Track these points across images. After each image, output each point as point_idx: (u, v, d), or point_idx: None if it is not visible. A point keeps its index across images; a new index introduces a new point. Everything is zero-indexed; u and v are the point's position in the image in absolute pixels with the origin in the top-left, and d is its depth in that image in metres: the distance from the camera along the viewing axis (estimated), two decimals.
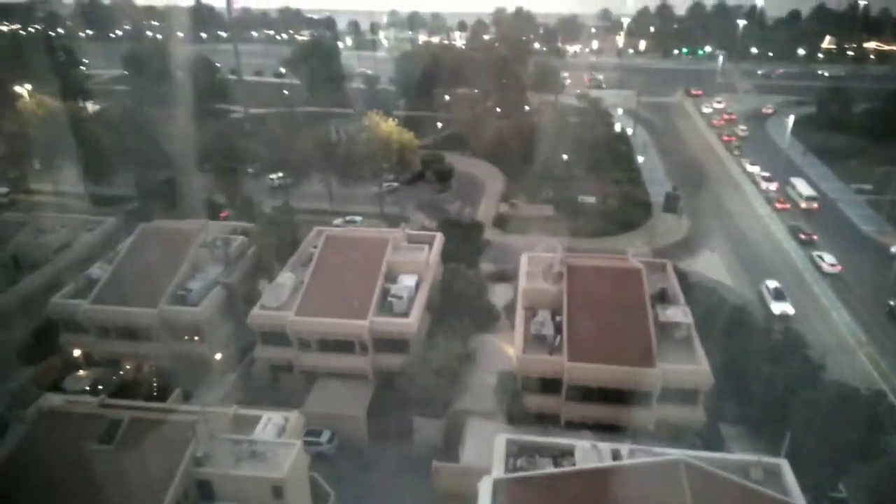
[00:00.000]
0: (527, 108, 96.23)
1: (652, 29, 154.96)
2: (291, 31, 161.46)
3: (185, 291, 41.49)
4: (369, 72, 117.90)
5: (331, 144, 69.81)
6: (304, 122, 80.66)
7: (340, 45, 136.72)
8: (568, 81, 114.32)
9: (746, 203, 73.12)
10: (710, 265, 57.79)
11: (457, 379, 36.82)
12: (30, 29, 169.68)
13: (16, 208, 65.77)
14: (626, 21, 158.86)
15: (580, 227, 63.75)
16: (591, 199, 70.08)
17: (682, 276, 42.59)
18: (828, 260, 57.31)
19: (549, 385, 34.14)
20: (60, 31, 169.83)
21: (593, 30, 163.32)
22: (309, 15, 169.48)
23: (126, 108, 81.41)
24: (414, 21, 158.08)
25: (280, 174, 72.74)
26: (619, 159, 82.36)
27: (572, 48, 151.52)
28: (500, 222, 66.24)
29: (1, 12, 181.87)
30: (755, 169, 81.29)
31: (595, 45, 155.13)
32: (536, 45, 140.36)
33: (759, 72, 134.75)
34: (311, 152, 66.86)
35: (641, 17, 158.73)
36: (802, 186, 73.25)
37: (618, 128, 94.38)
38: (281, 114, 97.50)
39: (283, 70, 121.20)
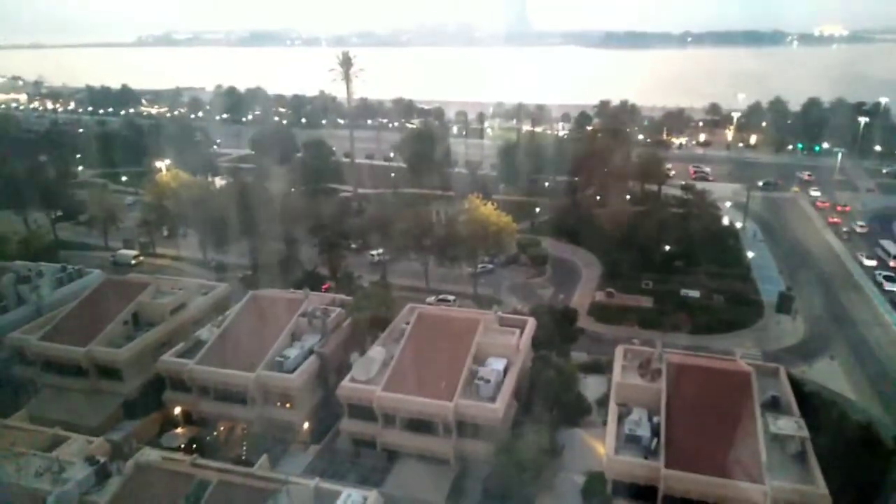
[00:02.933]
0: (628, 197, 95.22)
1: (764, 123, 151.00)
2: (403, 120, 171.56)
3: (283, 358, 42.98)
4: (473, 158, 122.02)
5: (430, 224, 71.90)
6: (407, 202, 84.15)
7: (447, 132, 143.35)
8: (673, 173, 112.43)
9: (869, 307, 66.87)
10: (829, 374, 52.60)
11: (541, 474, 34.93)
12: (175, 112, 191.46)
13: (142, 269, 72.03)
14: (735, 115, 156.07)
15: (682, 322, 60.51)
16: (694, 294, 66.87)
17: (797, 385, 38.94)
18: None
19: (643, 492, 31.56)
20: (200, 114, 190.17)
21: (700, 123, 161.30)
22: (420, 105, 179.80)
23: (248, 184, 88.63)
24: (519, 112, 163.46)
25: (380, 251, 75.33)
26: (726, 254, 78.67)
27: (678, 140, 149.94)
28: (596, 311, 64.38)
29: (154, 96, 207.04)
30: (877, 270, 74.81)
31: (702, 137, 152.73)
32: (640, 137, 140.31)
33: (885, 170, 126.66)
34: (411, 231, 69.06)
35: (753, 111, 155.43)
36: None
37: (726, 221, 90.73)
38: (386, 194, 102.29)
39: (392, 154, 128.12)
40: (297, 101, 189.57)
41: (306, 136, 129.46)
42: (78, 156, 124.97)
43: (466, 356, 40.27)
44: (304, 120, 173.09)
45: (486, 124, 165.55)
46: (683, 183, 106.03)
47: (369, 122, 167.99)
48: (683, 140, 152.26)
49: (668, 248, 75.91)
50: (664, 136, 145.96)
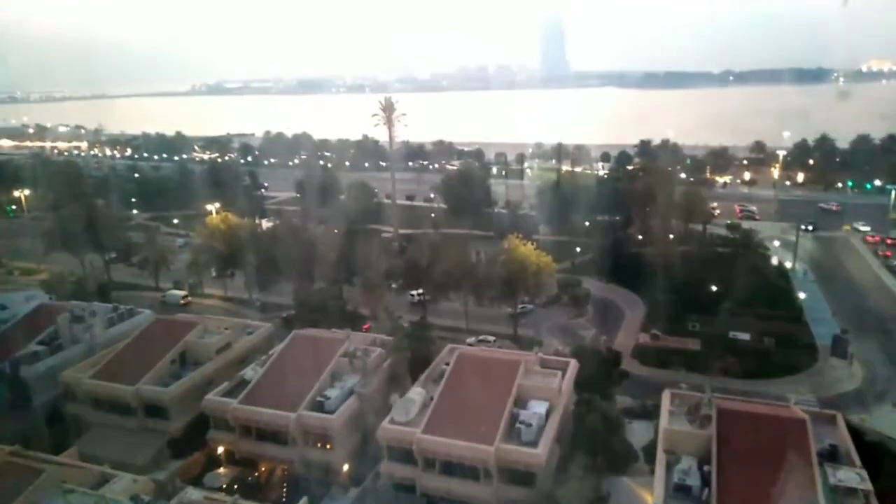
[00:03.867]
0: (671, 236, 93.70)
1: (811, 161, 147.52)
2: (443, 161, 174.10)
3: (323, 398, 43.21)
4: (513, 198, 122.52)
5: (470, 265, 72.05)
6: (447, 243, 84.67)
7: (487, 173, 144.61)
8: (717, 211, 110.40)
9: None
10: (893, 423, 49.76)
11: None
12: (226, 157, 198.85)
13: (190, 309, 73.94)
14: (781, 153, 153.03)
15: (732, 365, 58.48)
16: (744, 336, 64.66)
17: (857, 433, 36.95)
18: None
19: None
20: (249, 158, 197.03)
21: (745, 161, 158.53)
22: (460, 147, 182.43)
23: (293, 226, 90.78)
24: (558, 152, 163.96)
25: (420, 290, 75.67)
26: (776, 295, 76.13)
27: (722, 179, 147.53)
28: (640, 354, 62.87)
29: (206, 142, 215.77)
30: None
31: (747, 176, 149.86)
32: (683, 175, 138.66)
33: None
34: (451, 271, 69.25)
35: (799, 149, 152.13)
36: None
37: (774, 261, 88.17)
38: (427, 235, 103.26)
39: (432, 195, 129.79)
40: (341, 146, 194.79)
41: (349, 178, 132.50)
42: (133, 200, 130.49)
43: (507, 399, 39.74)
44: (347, 163, 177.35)
45: (526, 165, 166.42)
46: (729, 222, 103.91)
47: (410, 164, 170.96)
48: (728, 178, 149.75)
49: (714, 288, 74.01)
50: (707, 175, 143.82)
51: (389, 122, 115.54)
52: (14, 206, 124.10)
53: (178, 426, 45.67)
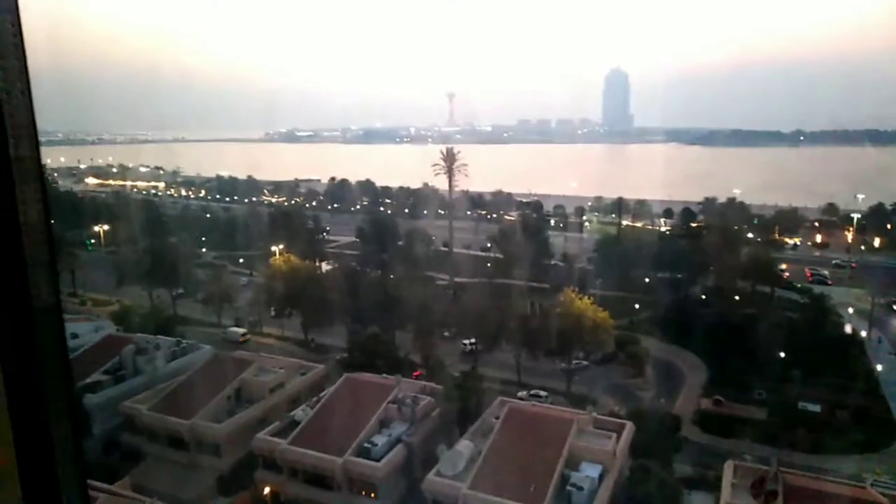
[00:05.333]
0: (737, 298, 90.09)
1: (889, 226, 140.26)
2: (501, 212, 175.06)
3: (370, 445, 42.87)
4: (570, 251, 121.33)
5: (524, 317, 71.22)
6: (501, 293, 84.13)
7: (545, 225, 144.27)
8: (786, 274, 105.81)
9: None
10: None
11: None
12: (292, 201, 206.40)
13: (248, 347, 75.66)
14: (855, 216, 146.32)
15: (800, 439, 54.80)
16: (814, 408, 60.67)
17: None
18: None
19: None
20: (314, 203, 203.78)
21: (816, 223, 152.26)
22: (518, 198, 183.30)
23: (351, 269, 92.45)
24: (618, 206, 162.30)
25: (473, 340, 75.04)
26: (850, 366, 71.50)
27: (792, 240, 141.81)
28: (701, 420, 59.85)
29: (275, 187, 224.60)
30: None
31: (818, 238, 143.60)
32: (750, 235, 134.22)
33: None
34: (505, 322, 68.52)
35: (875, 213, 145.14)
36: None
37: (848, 329, 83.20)
38: (482, 284, 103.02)
39: (489, 245, 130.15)
40: (402, 193, 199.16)
41: (409, 225, 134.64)
42: (203, 238, 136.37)
43: (558, 459, 38.37)
44: (407, 210, 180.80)
45: (585, 218, 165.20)
46: (799, 285, 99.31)
47: (468, 213, 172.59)
48: (797, 240, 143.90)
49: (782, 355, 70.25)
50: (776, 236, 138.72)
51: (450, 172, 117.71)
52: (93, 241, 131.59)
53: (228, 463, 46.16)
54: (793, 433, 55.58)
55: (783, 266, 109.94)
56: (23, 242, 1.93)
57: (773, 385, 65.18)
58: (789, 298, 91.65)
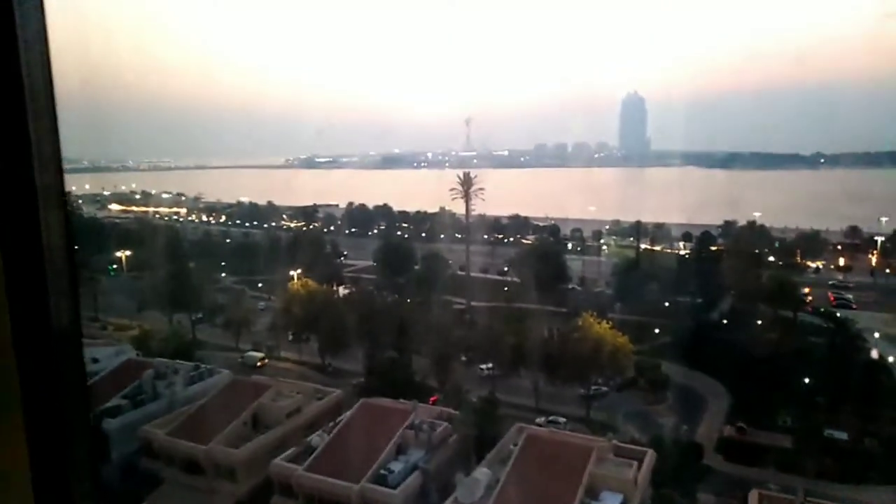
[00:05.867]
0: (759, 322, 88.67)
1: None
2: (518, 235, 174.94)
3: (387, 472, 42.49)
4: (588, 275, 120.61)
5: (542, 341, 70.66)
6: (519, 317, 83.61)
7: (562, 249, 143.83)
8: (809, 298, 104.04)
9: None
10: None
11: None
12: (311, 226, 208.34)
13: (265, 372, 75.84)
14: (879, 239, 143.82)
15: (828, 467, 53.37)
16: (842, 435, 59.14)
17: None
18: None
19: None
20: (332, 228, 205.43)
21: (839, 246, 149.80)
22: (536, 222, 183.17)
23: (368, 293, 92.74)
24: (636, 230, 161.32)
25: (490, 365, 74.48)
26: (878, 392, 69.60)
27: (814, 264, 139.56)
28: (724, 448, 58.54)
29: (294, 212, 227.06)
30: None
31: (841, 262, 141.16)
32: (771, 259, 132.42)
33: None
34: (522, 347, 68.03)
35: None
36: None
37: (874, 354, 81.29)
38: (499, 308, 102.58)
39: (506, 269, 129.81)
40: (418, 217, 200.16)
41: (425, 249, 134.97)
42: (222, 263, 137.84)
43: (577, 487, 37.70)
44: (423, 234, 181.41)
45: (602, 241, 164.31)
46: (822, 309, 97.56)
47: (485, 237, 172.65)
48: (820, 264, 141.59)
49: (807, 380, 68.76)
50: (798, 259, 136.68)
51: (466, 196, 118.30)
52: (115, 266, 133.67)
53: (244, 489, 45.99)
54: (819, 461, 54.15)
55: (806, 290, 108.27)
56: (45, 270, 1.98)
57: (798, 412, 63.72)
58: (812, 323, 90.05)
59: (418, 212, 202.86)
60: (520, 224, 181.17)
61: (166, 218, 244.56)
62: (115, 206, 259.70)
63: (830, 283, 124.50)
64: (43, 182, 1.98)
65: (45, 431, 2.00)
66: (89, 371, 59.04)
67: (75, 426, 2.12)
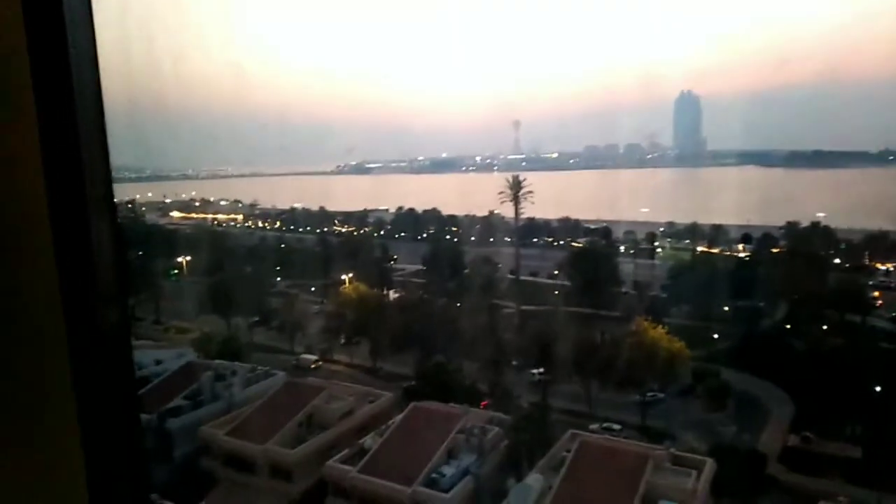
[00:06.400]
0: (825, 327, 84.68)
1: None
2: (569, 238, 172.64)
3: (439, 475, 42.46)
4: (642, 278, 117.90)
5: (594, 346, 69.41)
6: (570, 322, 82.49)
7: (614, 252, 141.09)
8: (879, 302, 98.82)
9: None
10: None
11: None
12: (362, 231, 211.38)
13: (318, 374, 77.14)
14: None
15: None
16: None
17: None
18: None
19: None
20: (382, 232, 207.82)
21: None
22: (587, 225, 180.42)
23: (418, 297, 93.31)
24: (692, 232, 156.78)
25: (541, 370, 73.65)
26: None
27: (884, 266, 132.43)
28: (789, 458, 56.07)
29: (345, 217, 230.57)
30: None
31: None
32: (837, 261, 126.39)
33: None
34: (574, 352, 67.01)
35: None
36: None
37: None
38: (549, 312, 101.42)
39: (556, 272, 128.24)
40: (468, 221, 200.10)
41: (475, 253, 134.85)
42: (277, 268, 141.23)
43: (634, 496, 36.76)
44: (473, 238, 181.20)
45: (657, 244, 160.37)
46: (894, 314, 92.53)
47: (535, 240, 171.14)
48: (890, 266, 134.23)
49: (878, 388, 65.14)
50: (866, 261, 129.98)
51: (516, 200, 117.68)
52: (176, 271, 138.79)
53: (299, 489, 46.76)
54: (893, 474, 51.12)
55: (875, 294, 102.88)
56: (96, 277, 2.05)
57: (868, 421, 60.43)
58: (883, 328, 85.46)
59: (467, 215, 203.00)
60: (570, 227, 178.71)
61: (224, 224, 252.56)
62: (175, 214, 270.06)
63: None
64: (94, 193, 2.06)
65: (97, 433, 2.06)
66: (153, 372, 61.52)
67: (126, 428, 2.19)
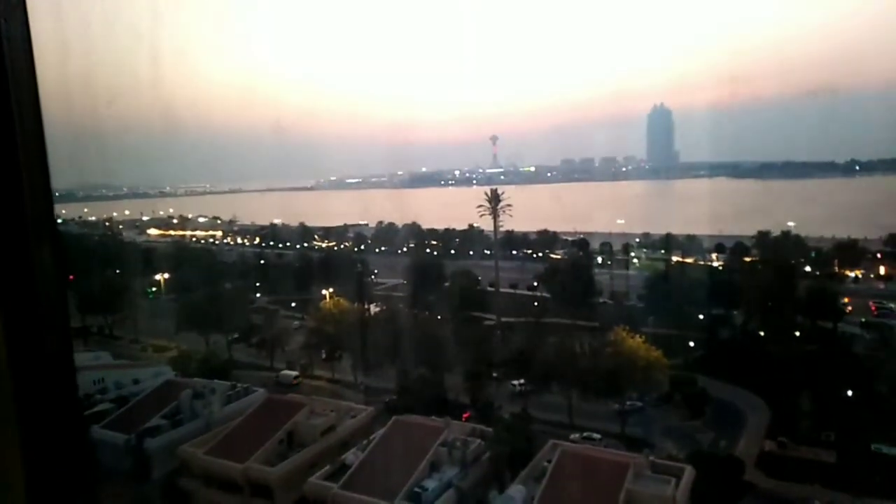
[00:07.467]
0: (797, 334, 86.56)
1: None
2: (547, 250, 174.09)
3: (421, 489, 42.51)
4: (618, 289, 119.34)
5: (574, 356, 70.07)
6: (549, 332, 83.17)
7: (591, 263, 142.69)
8: (849, 309, 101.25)
9: None
10: None
11: None
12: (341, 246, 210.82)
13: (300, 390, 76.65)
14: None
15: (877, 484, 51.61)
16: (890, 451, 57.21)
17: None
18: None
19: None
20: (362, 247, 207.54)
21: (878, 255, 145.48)
22: (564, 237, 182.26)
23: (399, 311, 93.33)
24: (667, 242, 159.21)
25: (522, 381, 74.11)
26: None
27: (853, 273, 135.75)
28: (766, 464, 57.08)
29: (325, 232, 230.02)
30: None
31: (882, 270, 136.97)
32: (808, 269, 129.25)
33: None
34: (554, 363, 67.61)
35: None
36: None
37: None
38: (529, 324, 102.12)
39: (535, 284, 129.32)
40: (447, 235, 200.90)
41: (455, 266, 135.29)
42: (257, 284, 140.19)
43: None
44: (452, 251, 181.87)
45: (633, 255, 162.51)
46: (864, 320, 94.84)
47: (514, 252, 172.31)
48: (859, 273, 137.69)
49: (850, 393, 66.78)
50: (836, 269, 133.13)
51: (494, 213, 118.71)
52: (154, 289, 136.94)
53: None
54: (867, 477, 52.44)
55: (845, 300, 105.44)
56: (38, 296, 2.05)
57: (842, 426, 61.85)
58: (854, 334, 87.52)
59: (447, 229, 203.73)
60: (548, 239, 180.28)
61: (202, 241, 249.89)
62: (153, 231, 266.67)
63: (871, 292, 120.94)
64: (34, 212, 2.05)
65: (40, 450, 2.05)
66: (130, 392, 60.67)
67: (69, 445, 2.15)
